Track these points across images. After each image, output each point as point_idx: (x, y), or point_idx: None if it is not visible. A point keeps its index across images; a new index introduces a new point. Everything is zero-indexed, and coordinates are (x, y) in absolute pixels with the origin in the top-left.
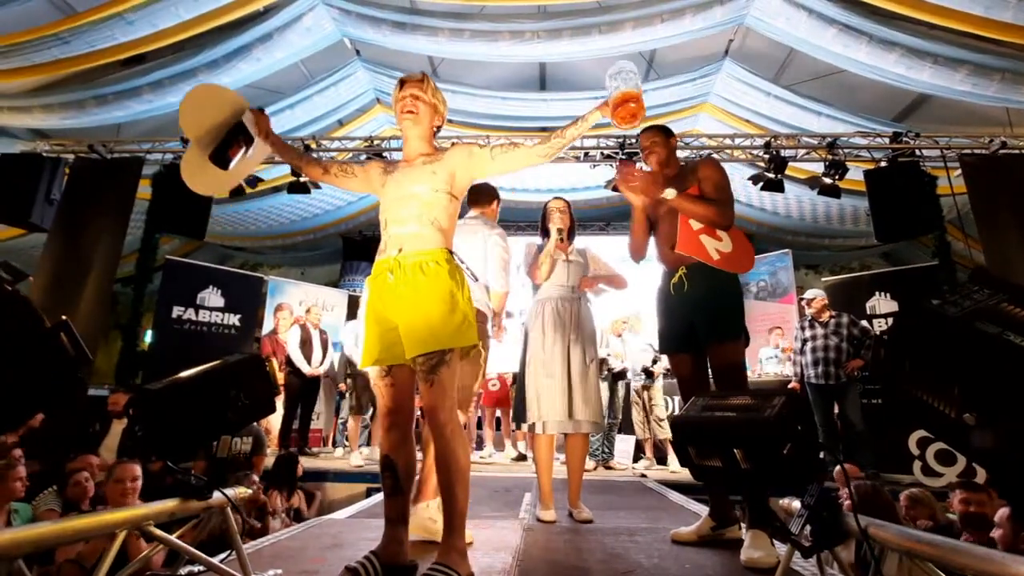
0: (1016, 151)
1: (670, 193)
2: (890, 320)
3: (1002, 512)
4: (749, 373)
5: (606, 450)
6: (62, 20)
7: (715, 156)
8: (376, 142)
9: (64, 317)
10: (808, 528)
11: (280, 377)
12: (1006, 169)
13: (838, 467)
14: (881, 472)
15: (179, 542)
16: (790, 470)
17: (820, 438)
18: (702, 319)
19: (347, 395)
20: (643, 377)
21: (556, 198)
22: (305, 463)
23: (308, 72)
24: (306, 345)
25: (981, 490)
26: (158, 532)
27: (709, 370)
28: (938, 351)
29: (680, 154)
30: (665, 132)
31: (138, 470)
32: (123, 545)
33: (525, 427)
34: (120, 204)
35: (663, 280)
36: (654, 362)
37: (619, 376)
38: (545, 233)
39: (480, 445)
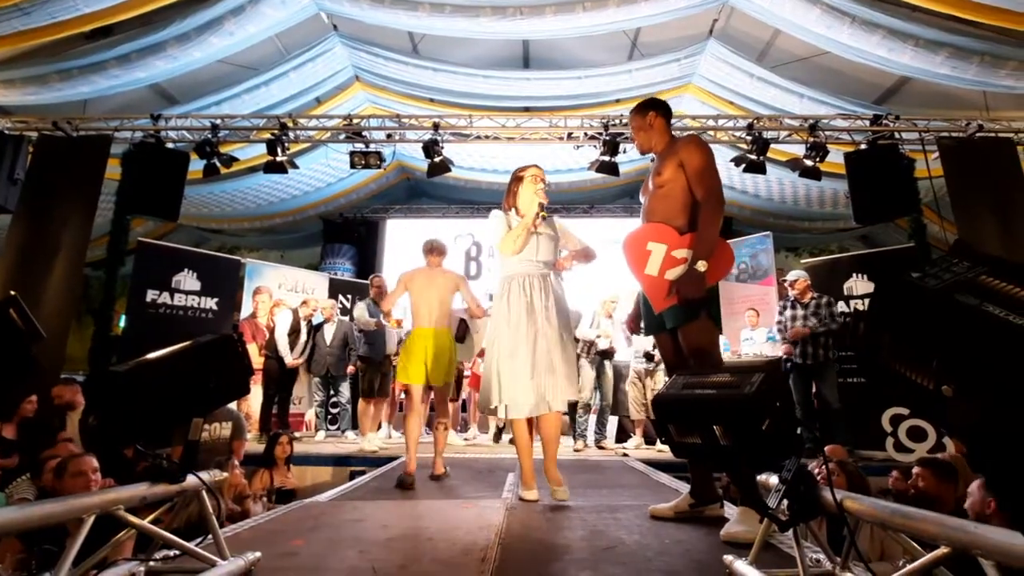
0: (992, 134)
1: (702, 265)
2: (867, 301)
3: (976, 483)
4: (730, 355)
5: (598, 431)
6: None
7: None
8: (355, 121)
9: (13, 293)
10: (785, 502)
11: (259, 361)
12: (982, 152)
13: (829, 446)
14: (855, 448)
15: (151, 526)
16: (769, 446)
17: (798, 415)
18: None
19: (360, 378)
20: (644, 360)
21: (534, 165)
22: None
23: (283, 47)
24: (294, 334)
25: (929, 466)
26: (129, 517)
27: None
28: (918, 324)
29: None
30: (639, 111)
31: (94, 462)
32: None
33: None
34: (88, 184)
35: None
36: (655, 346)
37: (606, 355)
38: (512, 201)
39: (465, 427)
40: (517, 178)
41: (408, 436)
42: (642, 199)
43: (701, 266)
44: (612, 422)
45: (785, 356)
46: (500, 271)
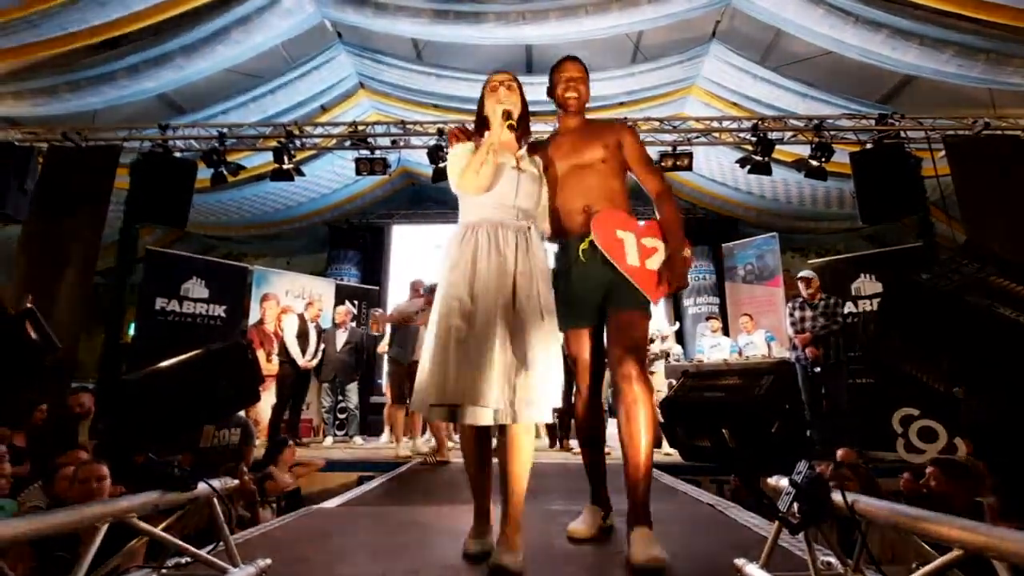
0: (998, 132)
1: (687, 251)
2: (875, 301)
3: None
4: (736, 356)
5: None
6: (31, 2)
7: (699, 138)
8: (360, 128)
9: (29, 304)
10: (796, 505)
11: (273, 367)
12: (989, 150)
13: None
14: (864, 450)
15: (163, 534)
16: (778, 448)
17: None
18: (611, 286)
19: (389, 383)
20: None
21: (499, 71)
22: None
23: (289, 56)
24: (302, 337)
25: (941, 466)
26: (142, 524)
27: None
28: (928, 325)
29: (667, 137)
30: (586, 71)
31: (104, 470)
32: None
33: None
34: (97, 194)
35: (567, 251)
36: (651, 342)
37: None
38: (483, 129)
39: None
40: (481, 94)
41: (438, 433)
42: (560, 166)
43: (687, 252)
44: (612, 422)
45: (811, 357)
46: (461, 218)
